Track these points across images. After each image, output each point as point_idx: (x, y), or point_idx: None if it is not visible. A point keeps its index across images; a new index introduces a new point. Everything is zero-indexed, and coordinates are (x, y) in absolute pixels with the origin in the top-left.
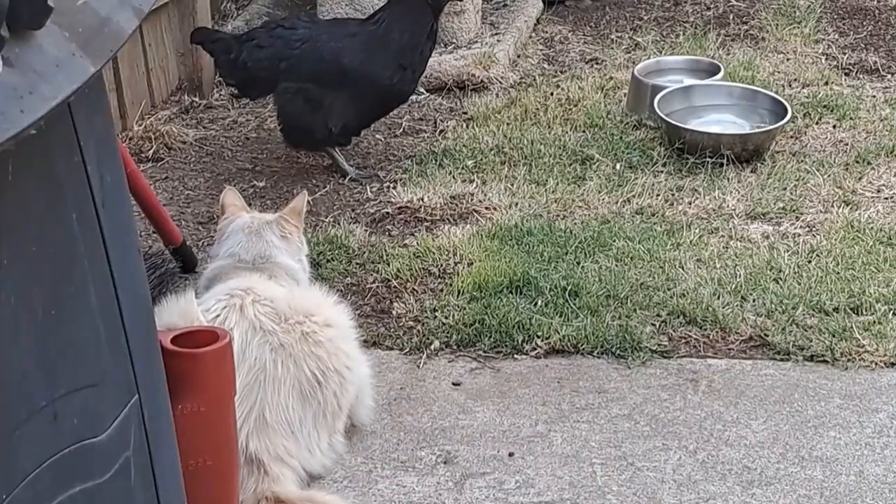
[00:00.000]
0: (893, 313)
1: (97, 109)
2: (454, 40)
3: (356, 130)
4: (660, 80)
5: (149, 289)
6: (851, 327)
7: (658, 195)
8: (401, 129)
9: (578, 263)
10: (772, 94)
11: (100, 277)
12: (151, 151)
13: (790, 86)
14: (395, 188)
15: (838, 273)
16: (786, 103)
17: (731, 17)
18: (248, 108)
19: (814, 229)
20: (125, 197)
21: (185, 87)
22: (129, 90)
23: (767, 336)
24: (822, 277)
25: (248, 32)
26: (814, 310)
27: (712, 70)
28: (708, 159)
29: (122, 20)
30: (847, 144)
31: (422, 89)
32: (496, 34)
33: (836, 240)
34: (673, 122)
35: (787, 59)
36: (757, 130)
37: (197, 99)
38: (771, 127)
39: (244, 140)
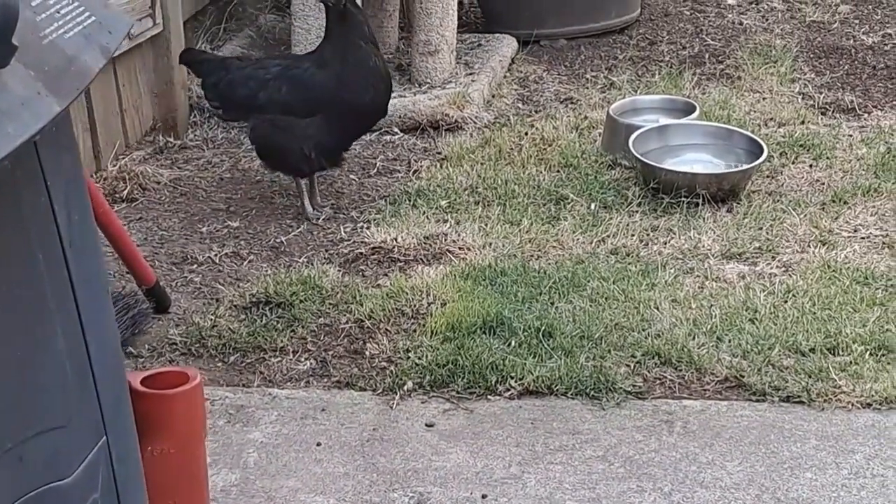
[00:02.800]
0: (870, 354)
1: (65, 148)
2: (428, 80)
3: (338, 150)
4: (635, 119)
5: (118, 329)
6: (828, 368)
7: (633, 235)
8: (375, 169)
9: (552, 304)
10: (747, 133)
11: (67, 319)
12: (126, 192)
13: (766, 125)
14: (368, 228)
15: (814, 313)
16: (762, 142)
17: (706, 56)
18: (222, 148)
19: (790, 269)
20: (93, 237)
21: (159, 127)
22: (104, 130)
23: (743, 377)
24: (798, 318)
25: (227, 60)
26: (790, 350)
27: (688, 109)
28: (683, 199)
29: (88, 59)
30: (823, 184)
31: (396, 129)
32: (471, 74)
33: (812, 280)
34: (648, 161)
35: (763, 99)
36: (733, 170)
37: (171, 139)
38: (747, 167)
39: (218, 180)
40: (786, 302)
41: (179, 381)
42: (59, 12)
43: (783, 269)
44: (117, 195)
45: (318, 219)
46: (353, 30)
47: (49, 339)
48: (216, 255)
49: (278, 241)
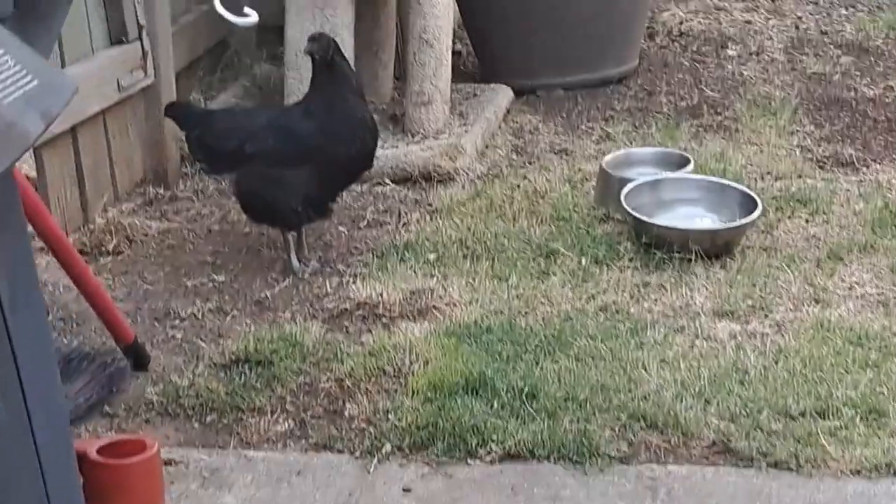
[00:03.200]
0: (860, 418)
1: (6, 208)
2: (422, 130)
3: (325, 201)
4: (628, 172)
5: (64, 398)
6: (817, 433)
7: (624, 291)
8: (364, 222)
9: (538, 363)
10: (742, 187)
11: (8, 388)
12: (112, 245)
13: (763, 178)
14: (354, 283)
15: (805, 375)
16: (756, 197)
17: (705, 107)
18: (212, 199)
19: (782, 328)
20: (38, 301)
21: (150, 178)
22: (92, 182)
23: (731, 441)
24: (788, 380)
25: (213, 112)
26: (779, 414)
27: (682, 162)
28: (676, 255)
29: (28, 124)
30: (819, 239)
31: (387, 180)
32: (465, 124)
33: (804, 340)
34: (640, 216)
35: (761, 151)
36: (726, 226)
37: (161, 191)
38: (741, 222)
39: (207, 233)
40: (776, 363)
41: (137, 449)
42: None
43: (775, 328)
44: (104, 248)
45: (305, 273)
46: (339, 80)
47: None
48: (199, 310)
49: (263, 295)
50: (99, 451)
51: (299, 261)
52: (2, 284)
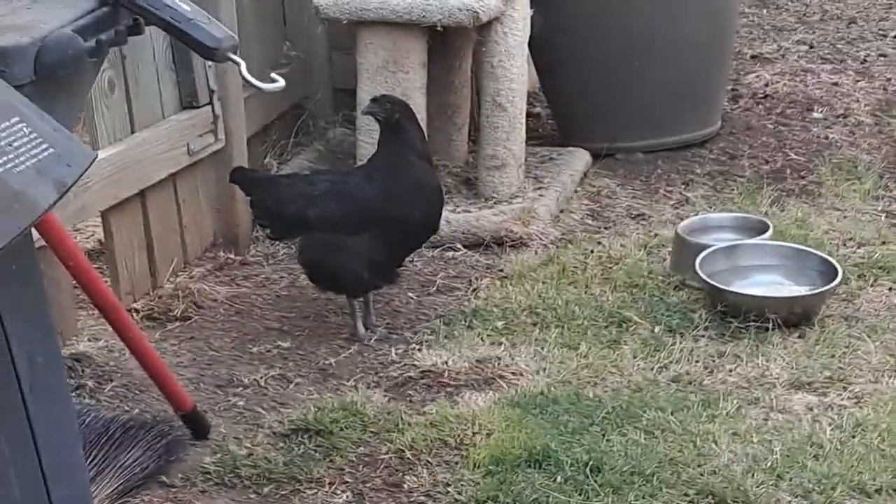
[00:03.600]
0: None
1: (25, 284)
2: (495, 194)
3: (392, 266)
4: (704, 238)
5: (88, 480)
6: None
7: (697, 361)
8: (434, 287)
9: (604, 436)
10: (822, 254)
11: (24, 467)
12: (180, 311)
13: (845, 245)
14: (420, 350)
15: (883, 450)
16: (836, 264)
17: (788, 171)
18: (283, 264)
19: (861, 401)
20: (61, 381)
21: (220, 243)
22: (161, 247)
23: None
24: (865, 455)
25: (277, 178)
26: (854, 490)
27: (761, 228)
28: (752, 323)
29: (38, 195)
30: None
31: (459, 245)
32: (539, 188)
33: (884, 413)
34: (715, 283)
35: (844, 217)
36: (805, 293)
37: (232, 255)
38: (820, 290)
39: (275, 298)
40: (854, 437)
41: None
42: (10, 145)
43: (854, 400)
44: (171, 314)
45: (370, 340)
46: (405, 143)
47: (2, 493)
48: (262, 377)
49: (327, 362)
50: None
51: (366, 327)
52: (20, 361)
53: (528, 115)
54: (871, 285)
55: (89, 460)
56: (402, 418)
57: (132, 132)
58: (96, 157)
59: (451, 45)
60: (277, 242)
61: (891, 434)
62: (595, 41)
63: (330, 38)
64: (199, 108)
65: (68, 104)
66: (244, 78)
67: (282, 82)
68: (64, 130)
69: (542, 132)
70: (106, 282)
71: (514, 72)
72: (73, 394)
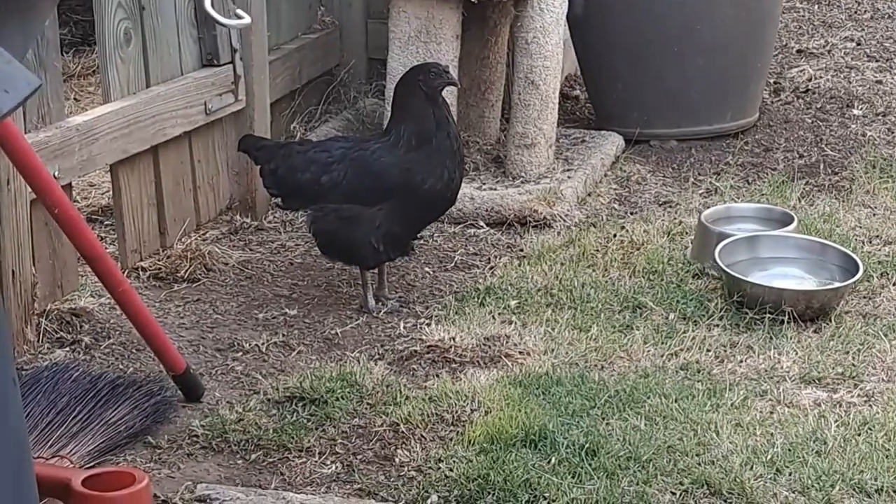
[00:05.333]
0: None
1: None
2: (523, 174)
3: (407, 238)
4: (727, 227)
5: (24, 423)
6: None
7: (709, 350)
8: (452, 263)
9: (604, 419)
10: (844, 249)
11: None
12: (188, 272)
13: (871, 242)
14: (429, 325)
15: (888, 450)
16: (858, 260)
17: (821, 166)
18: (300, 232)
19: (871, 399)
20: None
21: (236, 206)
22: (172, 207)
23: None
24: (868, 454)
25: (288, 145)
26: (854, 489)
27: (785, 220)
28: (768, 315)
29: None
30: None
31: (482, 223)
32: (568, 170)
33: (892, 412)
34: (733, 273)
35: (874, 214)
36: (823, 287)
37: (248, 220)
38: (838, 285)
39: (288, 265)
40: (858, 435)
41: (126, 481)
42: None
43: (864, 398)
44: (178, 275)
45: (380, 312)
46: (440, 115)
47: None
48: (264, 343)
49: (333, 332)
50: (85, 482)
51: (377, 300)
52: None
53: (567, 97)
54: (894, 284)
55: (73, 415)
56: (400, 391)
57: (147, 86)
58: (40, 85)
59: (487, 20)
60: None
61: None
62: (634, 25)
63: (367, 6)
64: (219, 66)
65: (21, 30)
66: (206, 11)
67: (247, 19)
68: (5, 54)
69: (580, 115)
70: (103, 237)
71: (548, 49)
72: (68, 349)
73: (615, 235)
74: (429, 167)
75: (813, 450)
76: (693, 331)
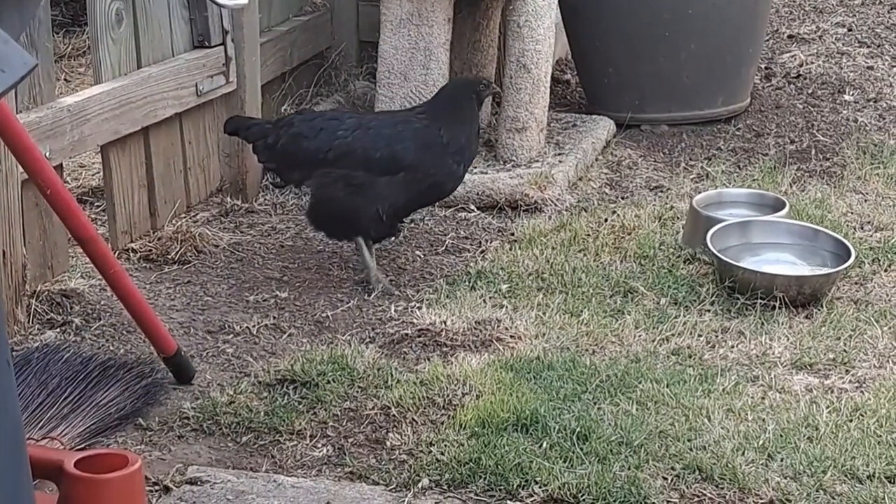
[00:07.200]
0: None
1: None
2: (514, 158)
3: (403, 216)
4: (719, 212)
5: (18, 406)
6: (884, 498)
7: (700, 336)
8: (443, 247)
9: (596, 404)
10: (836, 235)
11: None
12: (178, 253)
13: (862, 228)
14: (420, 308)
15: (880, 436)
16: (850, 246)
17: (813, 151)
18: (291, 214)
19: (863, 385)
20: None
21: (227, 188)
22: (163, 188)
23: (790, 501)
24: (860, 440)
25: (285, 118)
26: (846, 475)
27: (777, 206)
28: (759, 301)
29: None
30: None
31: (472, 206)
32: (559, 154)
33: (884, 399)
34: (724, 258)
35: (865, 200)
36: (814, 273)
37: (239, 202)
38: (830, 270)
39: (279, 248)
40: (850, 421)
41: (119, 464)
42: None
43: (856, 384)
44: (168, 257)
45: (373, 294)
46: (476, 117)
47: None
48: (255, 326)
49: (324, 315)
50: (77, 464)
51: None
52: None
53: (558, 81)
54: (885, 270)
55: (63, 397)
56: (391, 375)
57: (138, 67)
58: (35, 65)
59: (479, 3)
60: (288, 192)
61: (889, 421)
62: (626, 9)
63: None
64: (210, 47)
65: (18, 10)
66: None
67: (244, 0)
68: (2, 34)
69: (571, 100)
70: (93, 218)
71: (540, 32)
72: (58, 330)
73: (606, 220)
74: (466, 150)
75: (805, 435)
76: (684, 316)
